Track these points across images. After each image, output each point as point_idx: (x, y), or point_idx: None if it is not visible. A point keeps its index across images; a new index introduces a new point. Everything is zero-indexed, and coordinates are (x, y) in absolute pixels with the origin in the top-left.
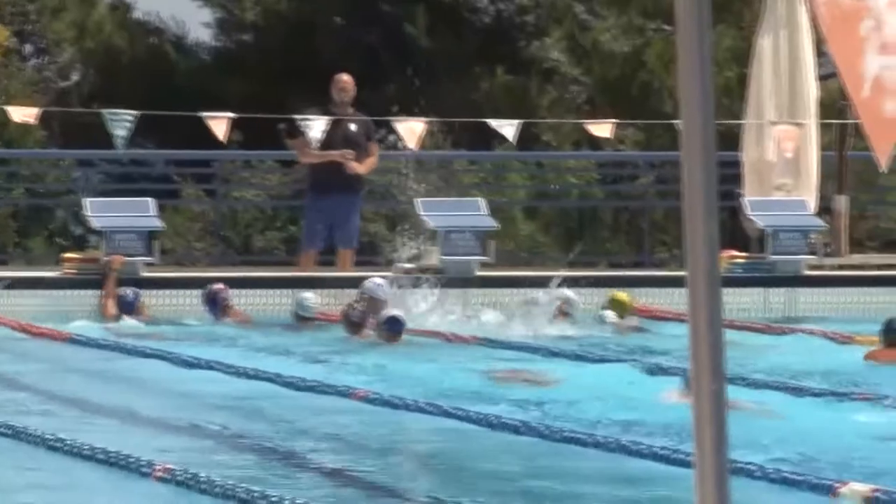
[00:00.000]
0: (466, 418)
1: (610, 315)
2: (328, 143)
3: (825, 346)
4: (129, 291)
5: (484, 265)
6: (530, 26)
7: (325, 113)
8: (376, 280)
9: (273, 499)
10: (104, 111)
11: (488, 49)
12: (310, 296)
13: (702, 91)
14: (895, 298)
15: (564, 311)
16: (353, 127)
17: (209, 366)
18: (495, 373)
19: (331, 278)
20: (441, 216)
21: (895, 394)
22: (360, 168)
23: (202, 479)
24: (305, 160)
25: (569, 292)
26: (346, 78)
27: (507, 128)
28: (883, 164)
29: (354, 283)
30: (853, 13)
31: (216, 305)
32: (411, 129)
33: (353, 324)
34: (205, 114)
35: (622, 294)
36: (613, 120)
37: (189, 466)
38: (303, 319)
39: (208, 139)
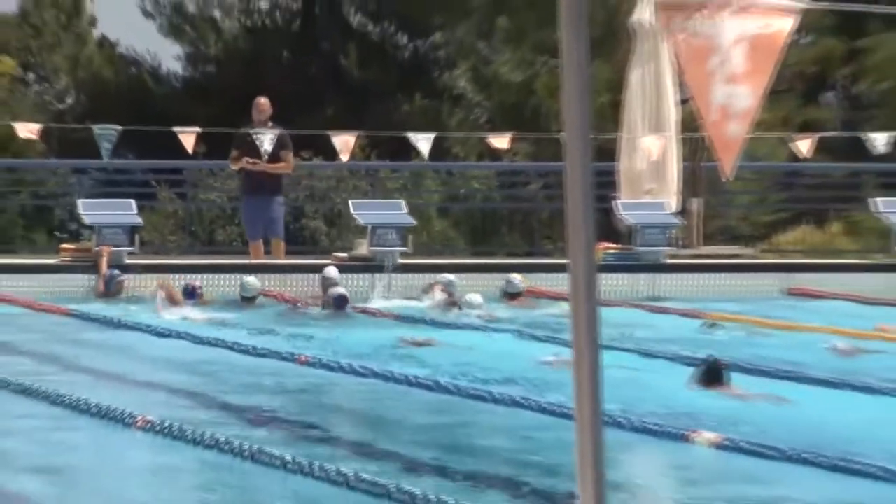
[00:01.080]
0: (392, 378)
1: (512, 285)
2: (248, 153)
3: (680, 322)
4: (115, 272)
5: (404, 255)
6: (442, 60)
7: (244, 132)
8: (331, 268)
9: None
10: (94, 127)
11: (408, 79)
12: (251, 279)
13: (581, 113)
14: (738, 282)
15: (448, 293)
16: (265, 140)
17: (178, 335)
18: (412, 339)
19: (280, 265)
20: (369, 214)
21: (738, 355)
22: (269, 168)
23: (175, 428)
24: (232, 167)
25: (450, 276)
26: (262, 100)
27: (423, 142)
28: (727, 173)
29: (298, 269)
30: (704, 51)
31: (193, 296)
32: (346, 143)
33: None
34: (176, 128)
35: (516, 276)
36: (509, 134)
37: (165, 419)
38: (245, 300)
39: (179, 151)
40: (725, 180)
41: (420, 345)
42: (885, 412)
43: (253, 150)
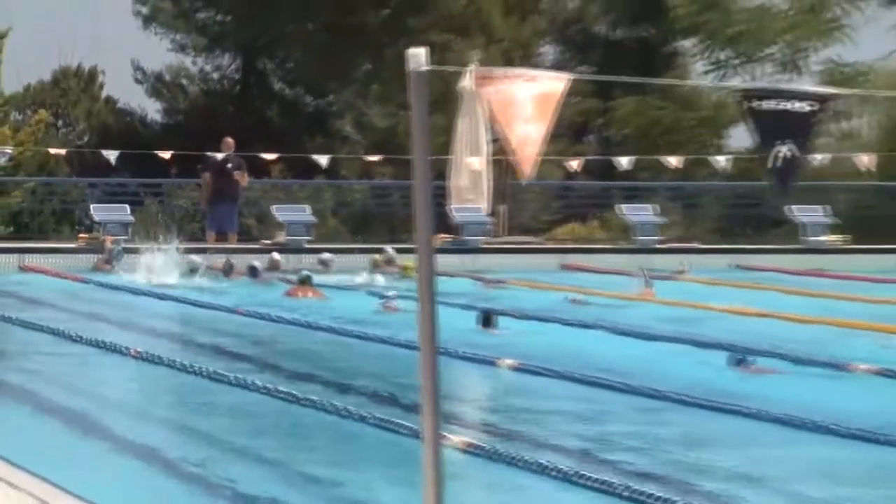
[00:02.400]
0: (290, 322)
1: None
2: (215, 173)
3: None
4: (117, 247)
5: (309, 242)
6: (334, 113)
7: (218, 158)
8: (276, 253)
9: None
10: (103, 151)
11: (311, 125)
12: (195, 258)
13: (423, 149)
14: (530, 260)
15: (389, 261)
16: (230, 164)
17: (154, 295)
18: (303, 294)
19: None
20: (285, 214)
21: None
22: (244, 181)
23: (155, 356)
24: (204, 183)
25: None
26: (229, 139)
27: (322, 160)
28: (526, 177)
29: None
30: (507, 104)
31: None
32: (270, 167)
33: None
34: (157, 152)
35: (390, 248)
36: (378, 157)
37: (149, 350)
38: (192, 271)
39: (159, 172)
40: (523, 191)
41: (306, 295)
42: (597, 339)
43: (218, 170)
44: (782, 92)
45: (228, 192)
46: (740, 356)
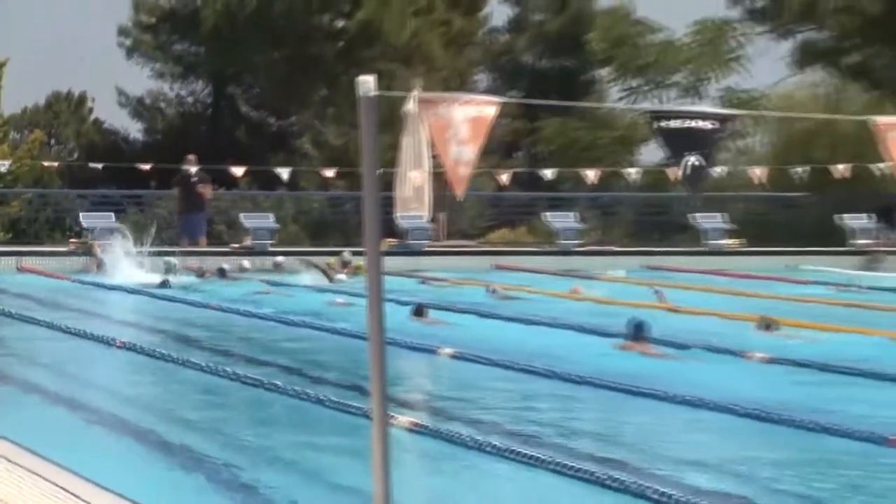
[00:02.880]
0: (253, 315)
1: (346, 257)
2: (183, 186)
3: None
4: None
5: (272, 246)
6: (295, 133)
7: (185, 173)
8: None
9: (164, 352)
10: (91, 166)
11: (275, 144)
12: (172, 259)
13: (371, 164)
14: (466, 261)
15: (344, 263)
16: (195, 178)
17: (135, 291)
18: (266, 291)
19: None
20: (252, 221)
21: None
22: (207, 193)
23: (139, 347)
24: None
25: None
26: (192, 156)
27: (284, 174)
28: (460, 196)
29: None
30: (444, 125)
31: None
32: (239, 180)
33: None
34: (138, 164)
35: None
36: (333, 171)
37: (134, 341)
38: (167, 271)
39: (139, 184)
40: (459, 201)
41: (267, 293)
42: (522, 330)
43: (184, 184)
44: (686, 113)
45: (195, 203)
46: (640, 325)
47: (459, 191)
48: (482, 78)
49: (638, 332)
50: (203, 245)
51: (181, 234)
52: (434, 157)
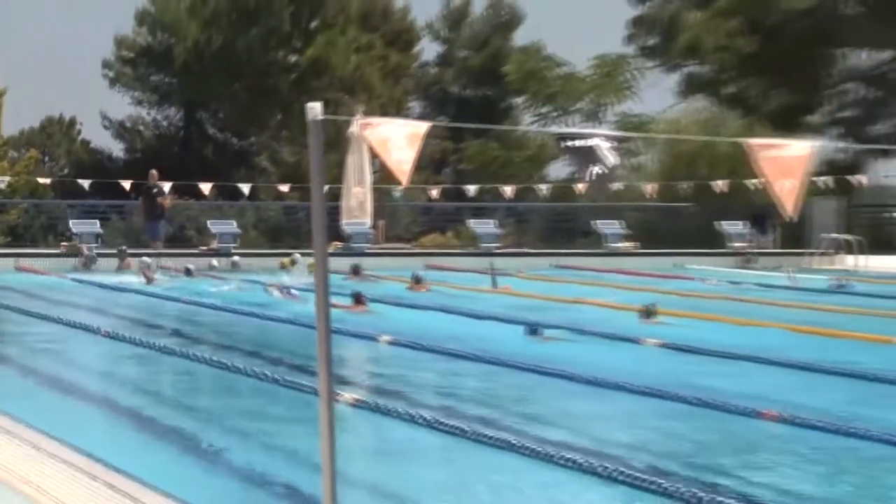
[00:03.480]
0: (217, 307)
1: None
2: (147, 198)
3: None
4: (92, 254)
5: (235, 248)
6: (254, 152)
7: (146, 185)
8: (213, 260)
9: (146, 340)
10: (79, 181)
11: (237, 161)
12: (147, 259)
13: (319, 179)
14: (403, 262)
15: (294, 262)
16: (155, 190)
17: (119, 288)
18: (228, 289)
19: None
20: (217, 227)
21: (379, 294)
22: (165, 203)
23: (122, 335)
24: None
25: (299, 256)
26: (153, 172)
27: (245, 188)
28: (404, 184)
29: (182, 255)
30: (385, 139)
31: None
32: (206, 192)
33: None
34: (120, 181)
35: (298, 254)
36: (287, 185)
37: (117, 330)
38: (143, 268)
39: (122, 196)
40: (400, 204)
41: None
42: (448, 320)
43: (149, 195)
44: (587, 135)
45: (155, 211)
46: (534, 327)
47: (404, 182)
48: (415, 105)
49: (534, 330)
50: (159, 248)
51: (149, 238)
52: (375, 172)
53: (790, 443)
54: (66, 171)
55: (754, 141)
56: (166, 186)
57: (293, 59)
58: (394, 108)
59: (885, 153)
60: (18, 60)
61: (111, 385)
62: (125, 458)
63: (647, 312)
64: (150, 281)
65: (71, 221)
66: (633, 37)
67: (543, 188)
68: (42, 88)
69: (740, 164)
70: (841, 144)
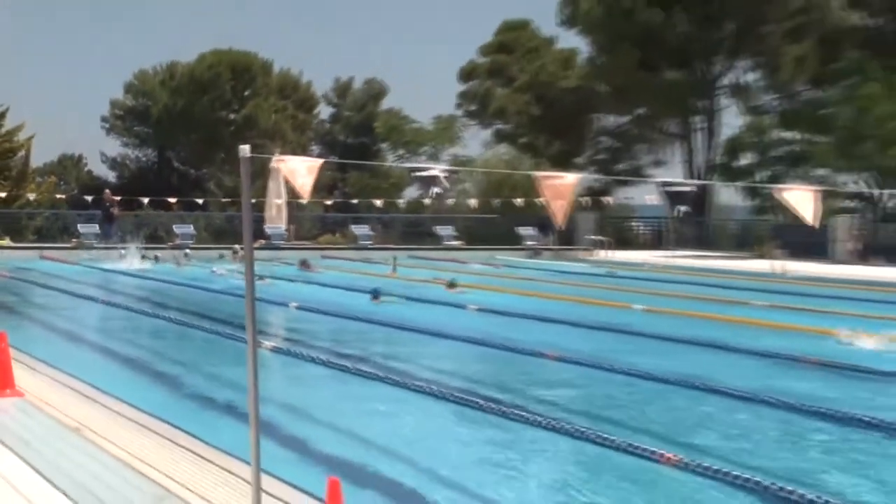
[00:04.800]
0: (189, 285)
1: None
2: (104, 209)
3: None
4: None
5: (192, 245)
6: (206, 177)
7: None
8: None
9: (122, 304)
10: (84, 197)
11: (195, 185)
12: (122, 251)
13: (248, 198)
14: (308, 254)
15: (235, 252)
16: (108, 203)
17: (121, 272)
18: (219, 273)
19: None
20: (180, 229)
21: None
22: (115, 213)
23: (114, 303)
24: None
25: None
26: (107, 191)
27: (199, 202)
28: (305, 197)
29: (159, 248)
30: (294, 170)
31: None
32: (172, 207)
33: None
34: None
35: (237, 248)
36: (229, 199)
37: (112, 299)
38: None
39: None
40: (302, 219)
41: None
42: (337, 292)
43: (104, 208)
44: (429, 168)
45: (109, 219)
46: (375, 293)
47: (305, 196)
48: (315, 148)
49: (375, 294)
50: (110, 244)
51: (104, 237)
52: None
53: (562, 373)
54: (75, 191)
55: (540, 174)
56: (117, 203)
57: (232, 116)
58: (300, 150)
59: (625, 183)
60: (43, 116)
61: (103, 334)
62: (108, 378)
63: (450, 285)
64: (179, 265)
65: (79, 225)
66: (460, 104)
67: (401, 203)
68: (59, 134)
69: (531, 189)
70: (596, 176)
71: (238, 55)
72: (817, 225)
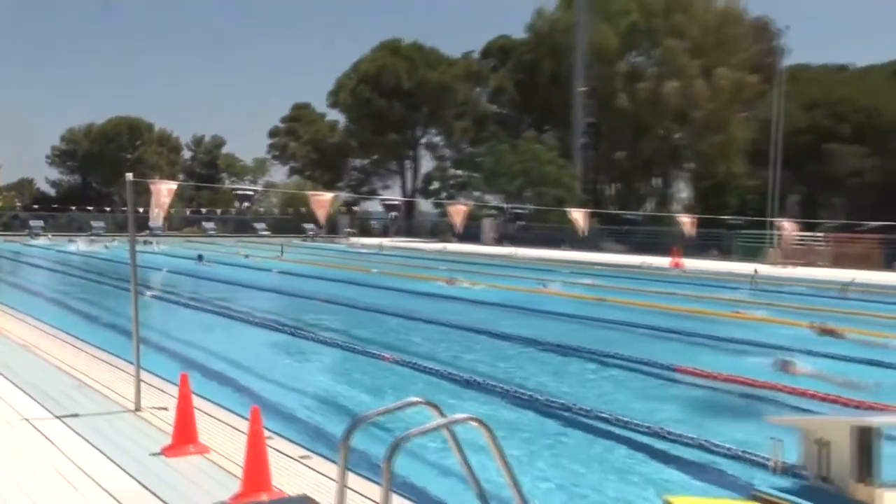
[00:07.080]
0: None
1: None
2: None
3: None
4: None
5: (104, 232)
6: (113, 194)
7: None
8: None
9: (80, 272)
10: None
11: (105, 198)
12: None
13: (132, 205)
14: (180, 240)
15: (146, 242)
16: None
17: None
18: (205, 262)
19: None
20: (96, 224)
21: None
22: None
23: (73, 273)
24: None
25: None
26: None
27: (108, 209)
28: (164, 212)
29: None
30: (160, 189)
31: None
32: (91, 210)
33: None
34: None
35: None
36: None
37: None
38: (69, 241)
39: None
40: (168, 217)
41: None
42: (252, 272)
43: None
44: (248, 189)
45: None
46: (200, 257)
47: (164, 212)
48: (181, 176)
49: (200, 258)
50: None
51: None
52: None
53: (330, 311)
54: (28, 202)
55: (310, 192)
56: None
57: (129, 156)
58: (171, 177)
59: (366, 198)
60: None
61: (51, 291)
62: (77, 327)
63: (246, 256)
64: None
65: (30, 222)
66: (269, 150)
67: (233, 210)
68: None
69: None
70: (348, 195)
71: (132, 119)
72: (462, 231)
